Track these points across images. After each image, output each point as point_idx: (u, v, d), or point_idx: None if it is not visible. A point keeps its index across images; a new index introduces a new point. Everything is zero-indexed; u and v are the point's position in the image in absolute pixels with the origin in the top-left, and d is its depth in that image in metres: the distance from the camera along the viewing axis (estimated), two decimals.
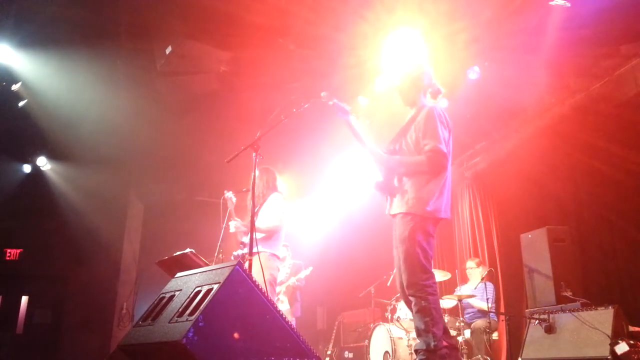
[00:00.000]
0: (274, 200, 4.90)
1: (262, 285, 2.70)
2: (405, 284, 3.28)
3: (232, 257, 4.88)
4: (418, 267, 3.22)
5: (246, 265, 4.00)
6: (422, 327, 3.15)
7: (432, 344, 3.09)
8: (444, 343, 3.13)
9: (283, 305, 7.04)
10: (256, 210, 4.95)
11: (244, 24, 5.63)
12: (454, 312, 6.31)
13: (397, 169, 3.43)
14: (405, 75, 3.65)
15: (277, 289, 6.49)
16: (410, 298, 3.26)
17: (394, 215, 3.41)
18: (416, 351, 3.19)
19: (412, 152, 3.42)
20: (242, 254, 4.60)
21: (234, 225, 4.70)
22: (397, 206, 3.37)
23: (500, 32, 5.54)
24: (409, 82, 3.63)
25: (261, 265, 4.13)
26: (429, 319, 3.14)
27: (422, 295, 3.18)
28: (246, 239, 4.44)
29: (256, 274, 3.97)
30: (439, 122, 3.38)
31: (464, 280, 6.81)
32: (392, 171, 3.46)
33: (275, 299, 5.09)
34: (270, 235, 4.77)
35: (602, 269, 5.58)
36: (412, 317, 6.10)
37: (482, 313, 6.08)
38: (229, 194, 4.75)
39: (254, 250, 4.55)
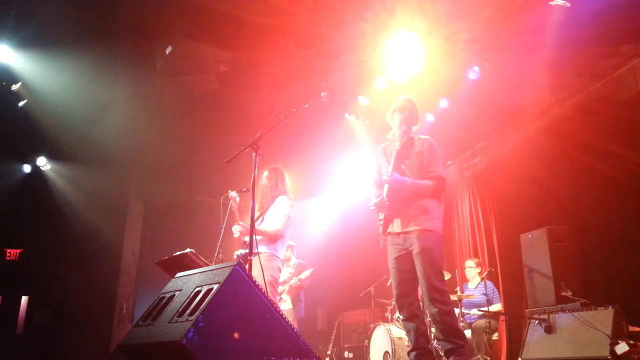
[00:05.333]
0: (280, 204, 4.83)
1: (262, 285, 2.72)
2: (426, 293, 3.58)
3: (235, 257, 4.86)
4: (438, 277, 3.61)
5: (247, 265, 4.00)
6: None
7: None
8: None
9: (285, 305, 7.03)
10: (263, 211, 4.93)
11: (244, 24, 5.64)
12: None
13: (407, 191, 3.75)
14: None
15: (280, 288, 6.48)
16: (432, 304, 3.57)
17: (407, 233, 3.71)
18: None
19: (416, 176, 3.79)
20: (244, 254, 4.57)
21: (238, 230, 4.64)
22: (414, 223, 3.69)
23: (500, 32, 5.54)
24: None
25: (261, 266, 4.13)
26: (442, 326, 3.55)
27: (441, 301, 3.55)
28: (248, 239, 4.43)
29: (257, 275, 3.97)
30: (438, 152, 3.87)
31: (464, 280, 6.80)
32: (400, 192, 3.76)
33: (277, 299, 5.05)
34: (275, 237, 4.77)
35: (602, 269, 5.58)
36: None
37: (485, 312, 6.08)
38: (232, 194, 4.73)
39: (255, 250, 4.57)
